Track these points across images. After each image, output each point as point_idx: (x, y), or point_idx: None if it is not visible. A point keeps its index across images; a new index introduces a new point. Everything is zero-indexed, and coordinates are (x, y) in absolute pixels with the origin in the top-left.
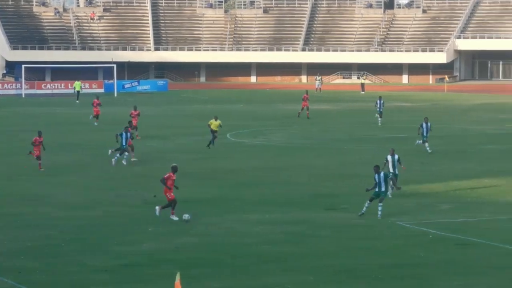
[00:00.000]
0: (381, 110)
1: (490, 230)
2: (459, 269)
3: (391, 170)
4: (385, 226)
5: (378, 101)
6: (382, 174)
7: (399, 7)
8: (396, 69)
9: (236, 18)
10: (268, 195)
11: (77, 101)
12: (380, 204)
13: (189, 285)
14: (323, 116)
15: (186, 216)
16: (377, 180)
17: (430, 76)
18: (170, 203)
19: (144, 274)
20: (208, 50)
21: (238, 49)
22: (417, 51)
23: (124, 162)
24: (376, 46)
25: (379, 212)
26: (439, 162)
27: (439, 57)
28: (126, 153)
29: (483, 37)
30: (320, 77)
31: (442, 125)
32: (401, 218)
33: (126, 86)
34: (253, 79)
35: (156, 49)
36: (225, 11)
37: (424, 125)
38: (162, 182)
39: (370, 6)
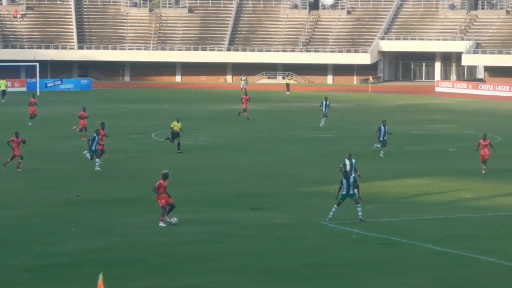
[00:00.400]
0: (326, 111)
1: (413, 229)
2: (382, 269)
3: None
4: (309, 226)
5: (324, 102)
6: (351, 178)
7: (324, 8)
8: (320, 69)
9: (161, 17)
10: (192, 194)
11: (3, 100)
12: (358, 205)
13: (113, 285)
14: (249, 116)
15: (174, 220)
16: (345, 185)
17: (355, 77)
18: (162, 208)
19: (67, 275)
20: (132, 49)
21: (163, 49)
22: (342, 52)
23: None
24: (301, 47)
25: (360, 214)
26: (362, 162)
27: (363, 58)
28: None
29: (407, 39)
30: (245, 77)
31: (365, 126)
32: (325, 218)
33: (49, 85)
34: (178, 78)
35: (80, 47)
36: (150, 10)
37: (382, 128)
38: (154, 191)
39: (295, 6)
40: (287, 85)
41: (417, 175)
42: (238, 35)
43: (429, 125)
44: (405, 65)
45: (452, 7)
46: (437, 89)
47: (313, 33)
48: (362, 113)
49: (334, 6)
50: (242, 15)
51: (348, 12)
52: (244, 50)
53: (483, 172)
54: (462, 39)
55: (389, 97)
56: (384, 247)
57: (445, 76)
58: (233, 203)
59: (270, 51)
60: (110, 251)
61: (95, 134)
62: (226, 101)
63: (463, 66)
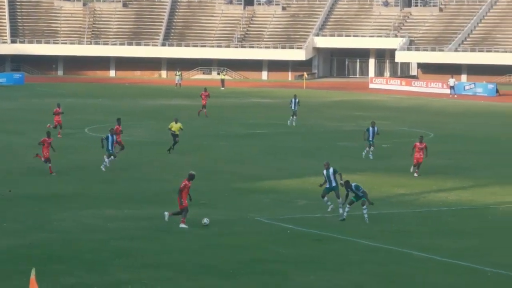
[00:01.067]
0: (296, 108)
1: (347, 225)
2: (317, 264)
3: (327, 184)
4: (244, 222)
5: (293, 100)
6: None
7: (259, 4)
8: (256, 65)
9: (95, 12)
10: (127, 190)
11: None
12: (364, 207)
13: (45, 281)
14: (183, 112)
15: (205, 221)
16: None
17: (289, 73)
18: (182, 210)
19: None
20: (66, 43)
21: (97, 43)
22: (277, 48)
23: (103, 168)
24: (236, 43)
25: (365, 216)
26: (295, 159)
27: (298, 54)
28: (112, 157)
29: (341, 35)
30: (180, 73)
31: (299, 122)
32: (260, 214)
33: None
34: (112, 73)
35: (13, 41)
36: (84, 4)
37: (370, 129)
38: (179, 193)
39: (230, 2)
40: (222, 80)
41: (350, 171)
42: (173, 30)
43: (362, 121)
44: (340, 62)
45: (386, 4)
46: (371, 86)
47: (248, 29)
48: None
49: (269, 2)
50: (177, 10)
51: (283, 8)
52: (179, 45)
53: (415, 175)
54: (396, 36)
55: (324, 93)
56: (318, 243)
57: (379, 72)
58: (168, 199)
59: (205, 46)
60: (43, 247)
61: (109, 134)
62: (160, 96)
63: (397, 62)
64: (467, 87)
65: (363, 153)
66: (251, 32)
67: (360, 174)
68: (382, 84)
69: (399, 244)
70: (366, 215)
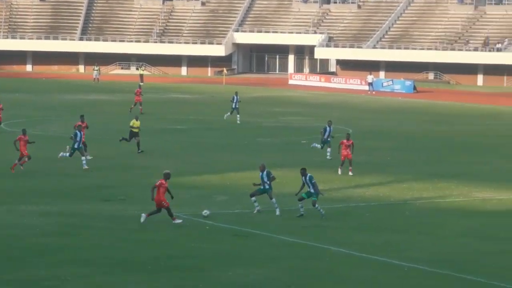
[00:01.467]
0: (236, 106)
1: (266, 221)
2: (235, 260)
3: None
4: (162, 218)
5: (235, 97)
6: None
7: None
8: (175, 60)
9: (12, 5)
10: (43, 186)
11: None
12: (316, 206)
13: None
14: (101, 107)
15: (206, 212)
16: (304, 182)
17: (209, 69)
18: (167, 209)
19: None
20: None
21: (13, 37)
22: (196, 43)
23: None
24: (155, 38)
25: (321, 212)
26: (215, 154)
27: (218, 50)
28: (85, 157)
29: (261, 31)
30: (98, 67)
31: (219, 118)
32: (179, 209)
33: None
34: (28, 68)
35: None
36: None
37: (327, 128)
38: (152, 190)
39: None
40: (141, 76)
41: (270, 167)
42: (90, 25)
43: (282, 117)
44: (259, 58)
45: (305, 0)
46: (291, 82)
47: (167, 24)
48: (216, 105)
49: None
50: (95, 4)
51: (203, 4)
52: (97, 40)
53: (350, 174)
54: (315, 32)
55: (243, 89)
56: (237, 238)
57: (298, 69)
58: (85, 195)
59: (123, 41)
60: None
61: (76, 131)
62: (78, 91)
63: (316, 59)
64: (385, 84)
65: (312, 146)
66: (170, 27)
67: (280, 170)
68: (301, 80)
69: (316, 240)
70: (321, 211)
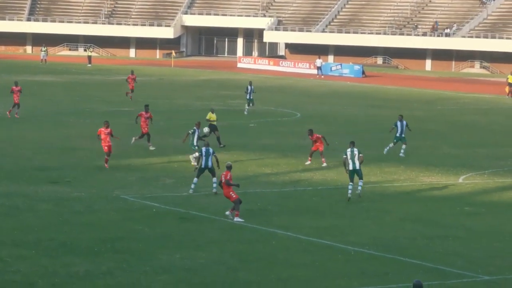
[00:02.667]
0: (251, 97)
1: (213, 204)
2: (182, 243)
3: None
4: (108, 200)
5: (249, 87)
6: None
7: None
8: (123, 42)
9: None
10: None
11: None
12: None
13: None
14: (47, 88)
15: (206, 130)
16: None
17: (158, 51)
18: (234, 202)
19: None
20: None
21: None
22: (145, 25)
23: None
24: (103, 19)
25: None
26: (162, 137)
27: (166, 32)
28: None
29: (210, 14)
30: (45, 48)
31: (167, 100)
32: (125, 192)
33: None
34: None
35: None
36: None
37: (399, 124)
38: (226, 183)
39: None
40: (89, 57)
41: (217, 150)
42: (38, 5)
43: (230, 100)
44: (208, 41)
45: None
46: (239, 65)
47: (116, 5)
48: (165, 88)
49: None
50: None
51: None
52: (44, 20)
53: (324, 165)
54: (264, 15)
55: (192, 72)
56: (184, 221)
57: (247, 52)
58: (30, 177)
59: (71, 22)
60: None
61: (195, 127)
62: (25, 72)
63: (265, 42)
64: (334, 68)
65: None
66: (119, 9)
67: (228, 153)
68: (250, 63)
69: (262, 223)
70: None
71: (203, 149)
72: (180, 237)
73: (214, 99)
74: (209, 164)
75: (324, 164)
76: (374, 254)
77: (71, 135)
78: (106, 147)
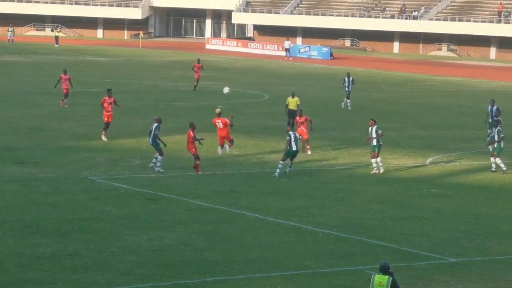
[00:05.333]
0: (350, 89)
1: (181, 185)
2: (149, 224)
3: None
4: (76, 181)
5: (346, 78)
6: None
7: None
8: (90, 23)
9: None
10: None
11: None
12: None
13: None
14: (14, 68)
15: (226, 89)
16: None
17: (125, 32)
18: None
19: None
20: None
21: None
22: (112, 5)
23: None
24: None
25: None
26: (130, 118)
27: (134, 13)
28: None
29: None
30: (12, 28)
31: (134, 81)
32: (93, 173)
33: None
34: None
35: None
36: None
37: (490, 108)
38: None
39: None
40: (56, 38)
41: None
42: None
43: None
44: (176, 21)
45: None
46: (208, 46)
47: None
48: (132, 68)
49: None
50: None
51: None
52: (12, 0)
53: (309, 152)
54: None
55: (160, 53)
56: (151, 202)
57: (216, 33)
58: None
59: (38, 2)
60: None
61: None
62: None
63: (233, 24)
64: (302, 50)
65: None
66: None
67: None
68: (218, 45)
69: (230, 205)
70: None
71: (291, 134)
72: (147, 217)
73: (183, 80)
74: (293, 148)
75: (309, 152)
76: (341, 236)
77: (39, 115)
78: (106, 117)
